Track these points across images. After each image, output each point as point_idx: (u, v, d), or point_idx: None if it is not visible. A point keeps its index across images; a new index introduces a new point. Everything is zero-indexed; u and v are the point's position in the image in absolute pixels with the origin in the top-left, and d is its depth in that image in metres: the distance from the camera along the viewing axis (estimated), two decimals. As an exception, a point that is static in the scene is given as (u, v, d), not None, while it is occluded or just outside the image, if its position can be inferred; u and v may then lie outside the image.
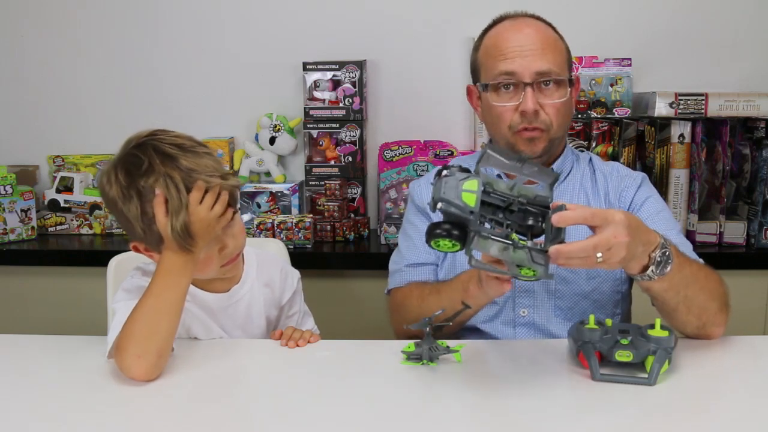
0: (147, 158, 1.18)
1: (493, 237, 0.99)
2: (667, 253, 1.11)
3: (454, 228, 0.99)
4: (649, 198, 1.42)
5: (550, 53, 1.34)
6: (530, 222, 1.02)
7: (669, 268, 1.11)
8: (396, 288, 1.48)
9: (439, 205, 0.98)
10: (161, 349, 1.15)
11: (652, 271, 1.10)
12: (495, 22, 1.42)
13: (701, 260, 1.29)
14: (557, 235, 1.01)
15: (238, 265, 1.34)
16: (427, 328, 1.14)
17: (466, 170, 1.02)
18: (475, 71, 1.44)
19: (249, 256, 1.38)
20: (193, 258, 1.19)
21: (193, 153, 1.21)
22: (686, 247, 1.33)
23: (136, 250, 1.26)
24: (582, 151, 1.53)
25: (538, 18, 1.41)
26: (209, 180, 1.19)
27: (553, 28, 1.40)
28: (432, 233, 1.00)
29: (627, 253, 1.02)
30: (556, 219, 0.99)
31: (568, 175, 1.45)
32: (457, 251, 1.01)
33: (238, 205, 1.30)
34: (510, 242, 0.99)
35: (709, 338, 1.24)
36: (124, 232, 2.25)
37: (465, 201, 0.97)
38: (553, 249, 0.99)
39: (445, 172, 1.01)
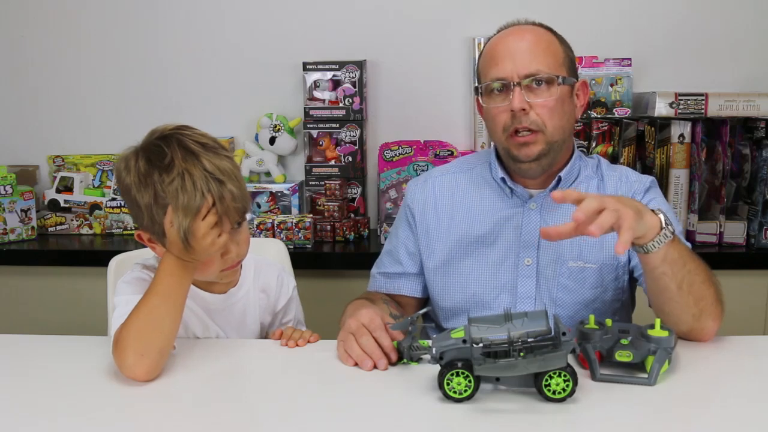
0: (170, 152, 1.18)
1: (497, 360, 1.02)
2: (663, 212, 1.16)
3: (458, 363, 1.03)
4: (652, 201, 1.41)
5: (541, 54, 1.34)
6: (541, 354, 1.01)
7: (676, 228, 1.16)
8: (368, 291, 1.56)
9: (437, 351, 1.04)
10: (163, 349, 1.15)
11: (666, 227, 1.14)
12: (497, 32, 1.43)
13: None
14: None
15: (237, 272, 1.34)
16: (409, 327, 1.15)
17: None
18: (477, 80, 1.46)
19: (247, 261, 1.37)
20: (194, 261, 1.19)
21: (215, 153, 1.21)
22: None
23: (140, 238, 1.26)
24: (590, 156, 1.51)
25: (539, 24, 1.41)
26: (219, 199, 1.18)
27: (553, 33, 1.39)
28: (442, 375, 1.03)
29: (633, 206, 1.08)
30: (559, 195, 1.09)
31: (573, 182, 1.43)
32: (471, 391, 1.03)
33: (249, 215, 1.30)
34: (516, 357, 1.00)
35: (703, 336, 1.22)
36: (124, 231, 2.28)
37: (455, 336, 1.04)
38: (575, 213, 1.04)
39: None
